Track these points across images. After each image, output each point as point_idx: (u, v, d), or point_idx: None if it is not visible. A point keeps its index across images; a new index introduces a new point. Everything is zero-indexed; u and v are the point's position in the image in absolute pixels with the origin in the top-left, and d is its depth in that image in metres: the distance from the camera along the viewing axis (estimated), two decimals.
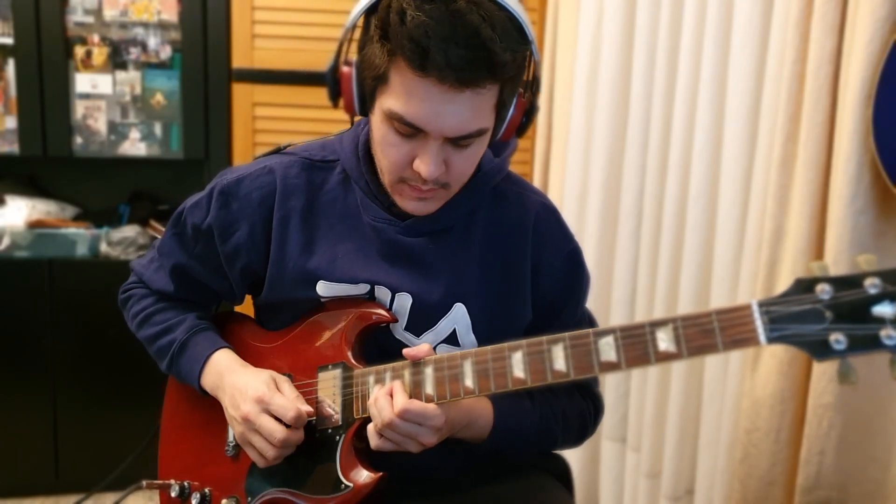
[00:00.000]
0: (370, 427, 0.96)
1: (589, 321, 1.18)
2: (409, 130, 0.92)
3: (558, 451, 1.24)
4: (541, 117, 2.29)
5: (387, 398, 0.95)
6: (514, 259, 1.07)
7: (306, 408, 1.01)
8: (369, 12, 0.93)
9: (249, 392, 1.02)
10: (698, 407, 1.71)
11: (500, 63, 0.87)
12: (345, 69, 0.96)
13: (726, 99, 1.61)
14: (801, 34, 1.36)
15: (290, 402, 1.01)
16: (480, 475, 1.12)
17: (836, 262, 1.28)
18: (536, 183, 2.27)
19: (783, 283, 1.39)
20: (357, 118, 1.02)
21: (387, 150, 0.96)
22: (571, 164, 2.09)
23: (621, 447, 2.01)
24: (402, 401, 0.93)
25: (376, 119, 0.96)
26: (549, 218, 1.11)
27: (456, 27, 0.85)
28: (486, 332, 1.06)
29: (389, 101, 0.92)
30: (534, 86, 0.98)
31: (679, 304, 1.72)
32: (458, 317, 1.05)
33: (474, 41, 0.85)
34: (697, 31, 1.68)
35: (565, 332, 1.14)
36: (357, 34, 0.97)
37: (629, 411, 1.97)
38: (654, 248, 1.86)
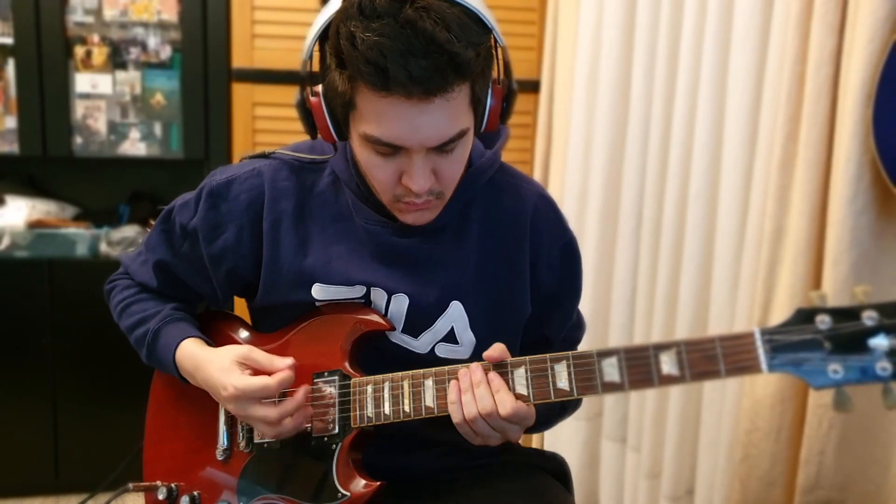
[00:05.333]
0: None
1: (577, 316, 1.19)
2: (389, 150, 0.91)
3: (557, 452, 1.25)
4: (541, 117, 2.30)
5: (487, 388, 0.92)
6: (512, 252, 1.07)
7: (286, 363, 0.99)
8: (322, 40, 0.91)
9: (223, 392, 1.00)
10: (698, 407, 1.71)
11: (464, 62, 0.85)
12: (313, 100, 0.94)
13: (726, 99, 1.61)
14: (801, 34, 1.36)
15: (263, 379, 0.98)
16: (480, 475, 1.12)
17: (836, 262, 1.28)
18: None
19: (783, 283, 1.40)
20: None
21: (373, 172, 0.95)
22: (571, 164, 2.09)
23: (621, 447, 2.01)
24: (510, 403, 0.91)
25: (355, 143, 0.95)
26: (546, 209, 1.10)
27: (410, 38, 0.82)
28: (486, 328, 1.06)
29: (363, 125, 0.90)
30: (506, 70, 0.96)
31: (679, 304, 1.72)
32: (455, 315, 1.05)
33: (432, 48, 0.83)
34: (697, 31, 1.68)
35: (566, 324, 1.15)
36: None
37: (629, 411, 1.97)
38: (654, 248, 1.86)
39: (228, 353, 1.04)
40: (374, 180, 0.97)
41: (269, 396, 0.99)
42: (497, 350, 0.94)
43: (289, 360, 1.00)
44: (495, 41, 0.93)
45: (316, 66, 0.95)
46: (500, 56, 0.95)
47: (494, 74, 0.95)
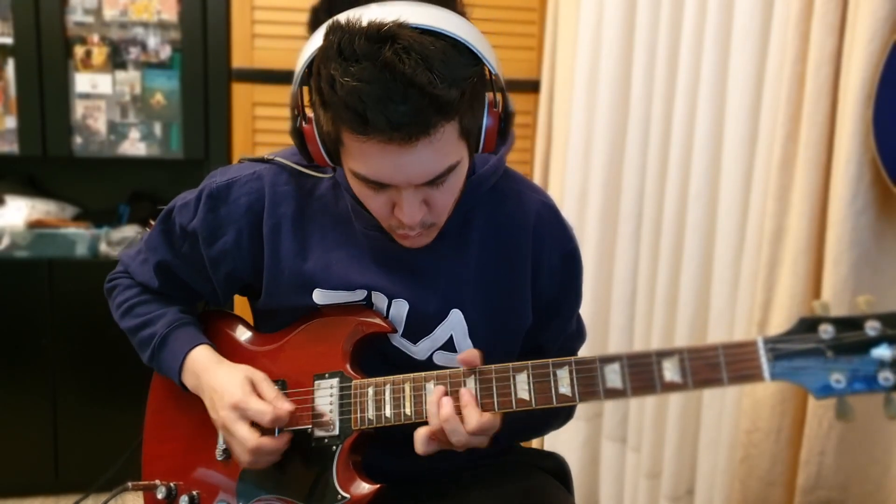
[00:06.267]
0: (421, 433, 0.93)
1: (578, 325, 1.19)
2: (378, 185, 0.90)
3: (557, 452, 1.25)
4: (541, 117, 2.29)
5: (456, 419, 0.91)
6: (513, 260, 1.06)
7: (286, 407, 1.00)
8: (309, 74, 0.90)
9: (226, 397, 1.01)
10: (698, 407, 1.71)
11: (446, 103, 0.82)
12: (306, 128, 0.93)
13: (726, 99, 1.61)
14: (801, 34, 1.36)
15: (265, 405, 0.99)
16: (480, 476, 1.12)
17: (836, 262, 1.28)
18: (536, 183, 2.27)
19: (783, 284, 1.40)
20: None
21: (367, 202, 0.95)
22: (571, 164, 2.09)
23: (621, 447, 2.01)
24: (475, 420, 0.91)
25: (347, 174, 0.94)
26: (549, 217, 1.09)
27: (388, 83, 0.80)
28: (485, 336, 1.05)
29: (350, 162, 0.90)
30: (503, 94, 0.93)
31: (679, 304, 1.72)
32: (454, 323, 1.04)
33: (412, 92, 0.80)
34: (697, 31, 1.68)
35: (562, 333, 1.14)
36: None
37: (629, 411, 1.97)
38: (654, 248, 1.86)
39: (242, 369, 1.05)
40: (369, 209, 0.97)
41: (260, 422, 0.99)
42: (469, 358, 0.93)
43: (290, 406, 1.00)
44: (489, 70, 0.90)
45: (307, 96, 0.93)
46: (493, 82, 0.92)
47: (491, 97, 0.93)
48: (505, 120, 0.94)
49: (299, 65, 0.91)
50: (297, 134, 0.94)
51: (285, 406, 1.00)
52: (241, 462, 1.02)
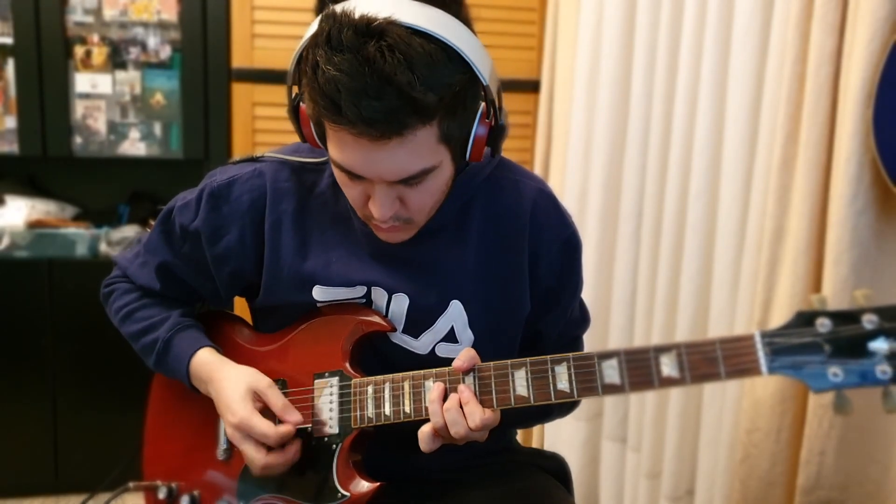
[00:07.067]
0: (425, 431, 0.94)
1: (581, 310, 1.18)
2: (353, 176, 0.91)
3: (557, 452, 1.25)
4: (541, 117, 2.30)
5: (459, 412, 0.92)
6: (511, 250, 1.06)
7: (294, 418, 1.01)
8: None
9: (229, 416, 1.01)
10: (698, 407, 1.71)
11: (423, 106, 0.83)
12: (302, 106, 0.94)
13: (726, 99, 1.61)
14: (801, 34, 1.36)
15: (269, 428, 0.99)
16: (480, 475, 1.12)
17: (836, 262, 1.28)
18: None
19: (783, 284, 1.40)
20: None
21: (345, 190, 0.96)
22: (571, 164, 2.09)
23: (621, 447, 2.01)
24: (479, 417, 0.92)
25: (331, 159, 0.94)
26: (546, 204, 1.09)
27: (366, 78, 0.80)
28: (484, 326, 1.06)
29: (330, 147, 0.91)
30: (493, 107, 0.92)
31: (679, 304, 1.72)
32: (454, 315, 1.04)
33: (388, 90, 0.81)
34: (697, 31, 1.68)
35: (561, 321, 1.14)
36: None
37: (629, 411, 1.97)
38: (654, 248, 1.86)
39: (246, 378, 1.04)
40: (346, 196, 0.98)
41: (265, 443, 1.00)
42: (465, 360, 0.94)
43: (297, 417, 1.01)
44: (479, 79, 0.89)
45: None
46: (484, 93, 0.91)
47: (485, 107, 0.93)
48: (495, 133, 0.94)
49: (299, 47, 0.91)
50: (294, 113, 0.95)
51: (293, 418, 1.01)
52: (254, 473, 1.03)
